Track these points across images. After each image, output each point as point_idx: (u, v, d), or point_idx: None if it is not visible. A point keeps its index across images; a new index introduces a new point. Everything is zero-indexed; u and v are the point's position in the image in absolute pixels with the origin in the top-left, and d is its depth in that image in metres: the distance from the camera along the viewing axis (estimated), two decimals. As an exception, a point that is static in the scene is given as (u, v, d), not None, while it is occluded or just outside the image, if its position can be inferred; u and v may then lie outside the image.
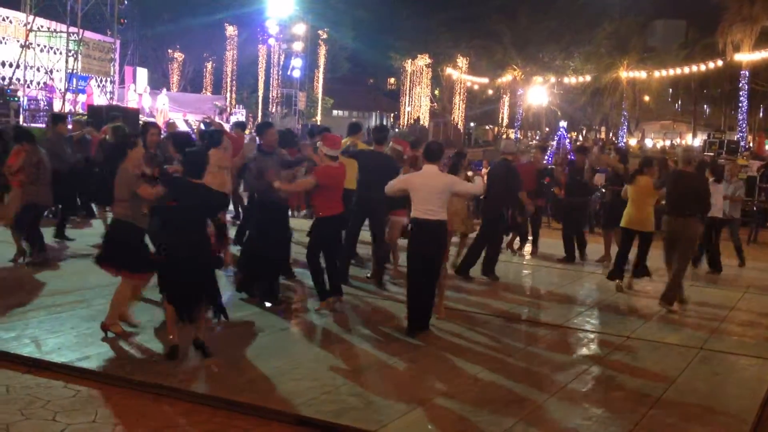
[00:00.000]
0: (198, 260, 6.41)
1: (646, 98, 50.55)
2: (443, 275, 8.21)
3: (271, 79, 40.91)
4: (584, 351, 7.59)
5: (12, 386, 5.68)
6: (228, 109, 34.30)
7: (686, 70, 42.82)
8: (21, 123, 21.52)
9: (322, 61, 45.48)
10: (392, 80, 63.03)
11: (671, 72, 43.78)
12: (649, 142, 51.55)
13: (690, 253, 9.68)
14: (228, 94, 40.32)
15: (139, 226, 7.04)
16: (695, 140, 50.27)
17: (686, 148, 10.96)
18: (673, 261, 9.43)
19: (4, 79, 24.51)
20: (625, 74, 45.91)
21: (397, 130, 51.38)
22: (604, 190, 14.32)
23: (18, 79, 24.81)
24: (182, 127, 20.33)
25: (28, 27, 24.90)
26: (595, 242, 13.82)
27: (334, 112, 54.69)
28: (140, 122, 20.27)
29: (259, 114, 40.49)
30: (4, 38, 25.49)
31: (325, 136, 8.74)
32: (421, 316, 7.62)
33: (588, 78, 46.89)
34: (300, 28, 41.20)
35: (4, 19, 25.58)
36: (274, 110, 40.25)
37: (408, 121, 52.14)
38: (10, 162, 9.73)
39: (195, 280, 6.39)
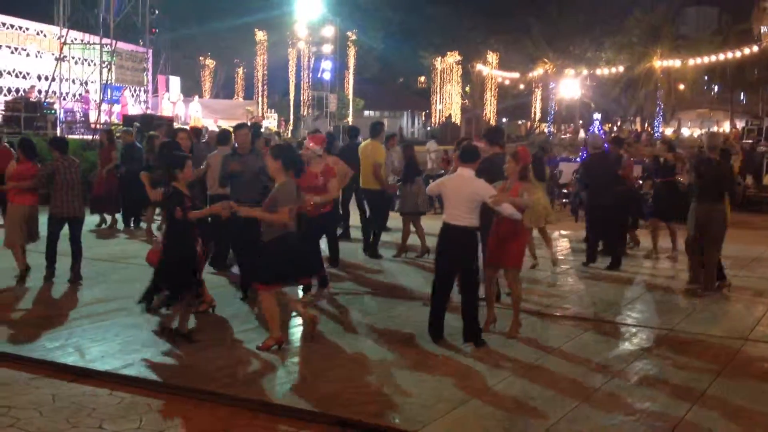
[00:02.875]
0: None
1: (681, 87, 49.83)
2: (517, 284, 7.64)
3: (302, 81, 41.09)
4: (626, 345, 7.49)
5: (58, 395, 5.77)
6: (260, 114, 34.48)
7: (721, 57, 42.12)
8: (59, 135, 21.86)
9: (351, 62, 45.55)
10: (422, 79, 62.90)
11: (705, 60, 43.09)
12: (686, 131, 50.83)
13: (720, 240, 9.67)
14: (260, 99, 40.59)
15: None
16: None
17: (711, 134, 11.20)
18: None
19: (40, 92, 24.92)
20: (659, 63, 45.29)
21: (429, 128, 51.31)
22: (641, 182, 14.05)
23: (54, 92, 25.22)
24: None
25: (62, 40, 25.29)
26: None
27: (366, 112, 54.72)
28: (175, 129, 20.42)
29: (291, 117, 40.69)
30: (39, 52, 25.93)
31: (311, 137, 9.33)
32: (439, 322, 7.27)
33: (621, 69, 46.34)
34: (329, 31, 41.30)
35: (38, 33, 26.03)
36: (305, 113, 40.41)
37: (440, 118, 52.01)
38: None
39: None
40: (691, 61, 44.03)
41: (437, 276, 7.37)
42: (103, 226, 14.05)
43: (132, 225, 14.03)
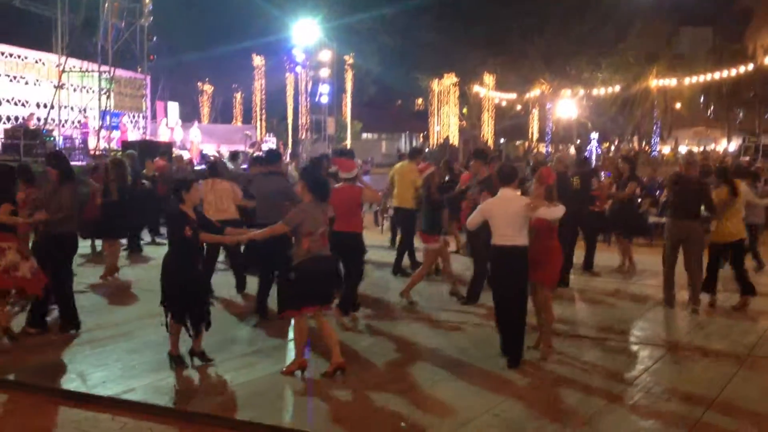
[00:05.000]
0: None
1: (678, 106, 50.06)
2: (548, 303, 7.64)
3: (300, 105, 41.29)
4: (629, 362, 7.47)
5: (60, 421, 5.74)
6: (258, 138, 34.55)
7: (716, 75, 42.36)
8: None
9: (349, 85, 45.79)
10: (420, 101, 63.14)
11: (701, 78, 43.33)
12: (683, 149, 50.98)
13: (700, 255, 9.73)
14: (258, 123, 40.72)
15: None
16: (730, 145, 49.64)
17: (689, 152, 11.35)
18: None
19: (39, 119, 24.98)
20: (654, 82, 45.52)
21: (427, 150, 51.46)
22: (640, 200, 14.05)
23: (53, 119, 25.29)
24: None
25: (61, 68, 25.41)
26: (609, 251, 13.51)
27: (363, 135, 54.89)
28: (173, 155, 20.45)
29: (290, 141, 40.82)
30: (37, 80, 26.01)
31: (336, 161, 9.18)
32: (515, 346, 7.22)
33: (617, 88, 46.55)
34: (326, 55, 41.58)
35: (37, 62, 26.13)
36: (303, 136, 40.54)
37: (437, 140, 52.14)
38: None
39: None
40: (686, 80, 44.26)
41: (499, 300, 7.31)
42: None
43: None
